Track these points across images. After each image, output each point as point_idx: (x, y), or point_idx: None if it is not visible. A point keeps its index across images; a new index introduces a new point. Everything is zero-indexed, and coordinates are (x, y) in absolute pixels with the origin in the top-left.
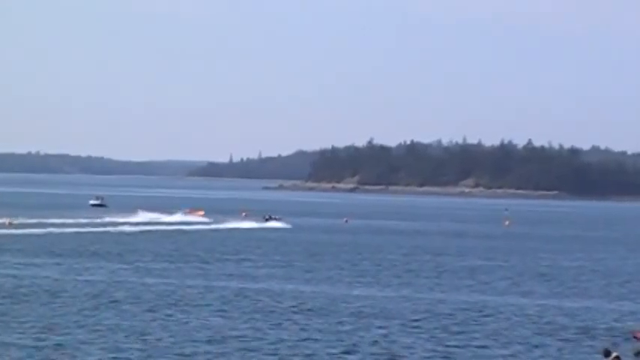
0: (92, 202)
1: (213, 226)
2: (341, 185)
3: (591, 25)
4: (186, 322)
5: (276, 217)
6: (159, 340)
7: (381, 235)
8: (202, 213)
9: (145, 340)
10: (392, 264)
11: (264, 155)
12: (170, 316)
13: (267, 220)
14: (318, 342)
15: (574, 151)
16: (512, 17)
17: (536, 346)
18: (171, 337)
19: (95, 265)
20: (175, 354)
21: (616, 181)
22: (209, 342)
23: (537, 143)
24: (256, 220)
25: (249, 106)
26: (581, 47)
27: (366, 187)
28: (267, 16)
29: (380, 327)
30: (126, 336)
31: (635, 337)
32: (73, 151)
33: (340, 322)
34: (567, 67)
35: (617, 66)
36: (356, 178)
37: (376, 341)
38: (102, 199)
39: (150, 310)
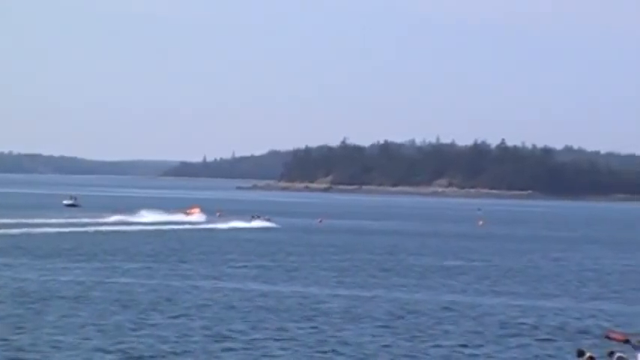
0: (66, 202)
1: (196, 226)
2: (314, 185)
3: (566, 25)
4: (161, 323)
5: (265, 217)
6: (132, 340)
7: (355, 235)
8: (198, 210)
9: (120, 340)
10: (366, 264)
11: (237, 155)
12: (146, 316)
13: (254, 219)
14: (291, 341)
15: (547, 151)
16: (482, 18)
17: (511, 346)
18: (146, 337)
19: (71, 266)
20: (150, 355)
21: (589, 180)
22: (184, 342)
23: (510, 143)
24: (243, 220)
25: (222, 106)
26: (555, 48)
27: (340, 186)
28: (239, 16)
29: (354, 327)
30: (99, 336)
31: (608, 338)
32: (46, 151)
33: (315, 322)
34: (541, 68)
35: (590, 66)
36: (329, 177)
37: (350, 341)
38: (75, 199)
39: (125, 310)
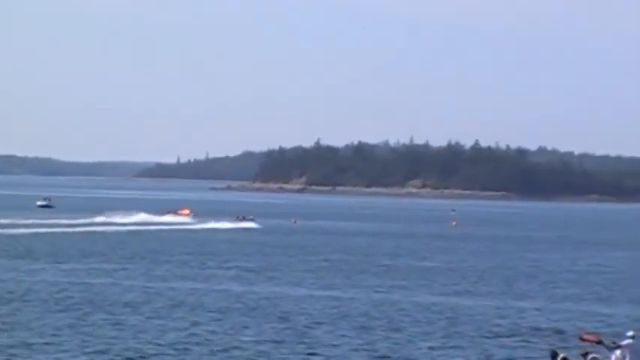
0: (39, 203)
1: (181, 227)
2: (288, 186)
3: (541, 25)
4: (134, 324)
5: (249, 217)
6: (106, 341)
7: (330, 236)
8: (187, 212)
9: (94, 341)
10: (341, 264)
11: (211, 156)
12: (121, 317)
13: (240, 220)
14: (262, 344)
15: (521, 152)
16: (456, 18)
17: (485, 347)
18: (115, 338)
19: (47, 267)
20: (120, 355)
21: (563, 181)
22: (156, 343)
23: (484, 144)
24: (229, 221)
25: (196, 107)
26: (528, 48)
27: (314, 187)
28: (209, 15)
29: (330, 327)
30: (72, 337)
31: (582, 339)
32: (20, 152)
33: (289, 323)
34: (515, 69)
35: (563, 67)
36: (303, 178)
37: (326, 342)
38: (49, 200)
39: (100, 311)
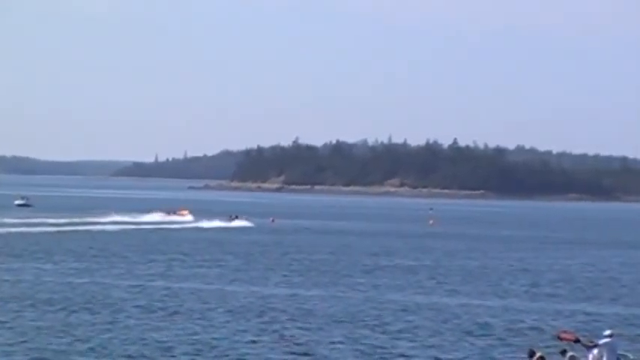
0: (17, 202)
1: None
2: (266, 185)
3: (516, 23)
4: (110, 323)
5: (243, 216)
6: (81, 341)
7: (308, 235)
8: (186, 212)
9: (68, 341)
10: (320, 263)
11: (189, 155)
12: (99, 316)
13: (232, 219)
14: (243, 343)
15: (499, 151)
16: (433, 18)
17: (463, 346)
18: (94, 337)
19: (21, 266)
20: (95, 356)
21: (541, 180)
22: (132, 343)
23: (463, 143)
24: (221, 220)
25: (174, 105)
26: (506, 48)
27: (292, 186)
28: (186, 15)
29: (308, 326)
30: (47, 337)
31: (559, 338)
32: None
33: (270, 323)
34: (492, 68)
35: (541, 67)
36: (281, 177)
37: (302, 341)
38: (27, 199)
39: (80, 310)
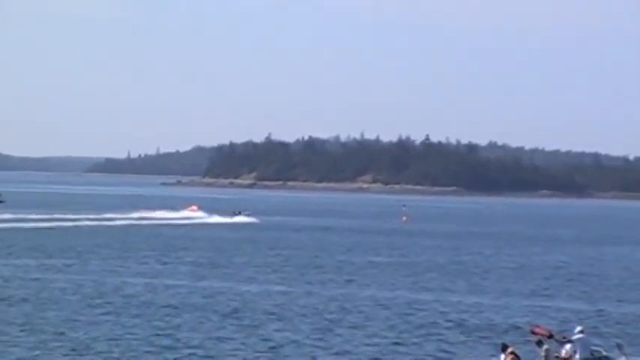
0: None
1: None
2: (239, 181)
3: (484, 20)
4: (88, 319)
5: (247, 212)
6: (55, 337)
7: (281, 232)
8: (195, 208)
9: (43, 336)
10: (292, 260)
11: (162, 151)
12: (71, 312)
13: (235, 215)
14: (213, 340)
15: (471, 147)
16: (403, 13)
17: (436, 341)
18: (64, 334)
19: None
20: (64, 354)
21: (513, 177)
22: (105, 340)
23: (435, 139)
24: (224, 216)
25: (147, 101)
26: (478, 45)
27: (265, 182)
28: (156, 13)
29: (283, 324)
30: (23, 332)
31: (533, 333)
32: None
33: (241, 319)
34: (464, 64)
35: (512, 63)
36: (254, 174)
37: (276, 338)
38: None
39: (52, 307)
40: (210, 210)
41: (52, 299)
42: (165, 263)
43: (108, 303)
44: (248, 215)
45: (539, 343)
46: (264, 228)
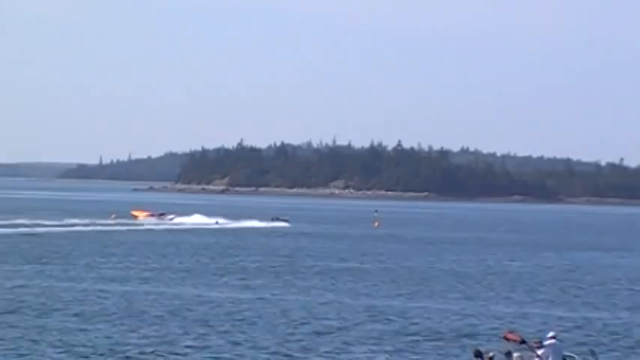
0: None
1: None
2: (211, 187)
3: (455, 24)
4: (58, 328)
5: (283, 217)
6: (27, 345)
7: (253, 238)
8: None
9: (13, 345)
10: (264, 266)
11: (133, 157)
12: (43, 320)
13: (273, 220)
14: (184, 348)
15: (443, 153)
16: (378, 20)
17: (410, 348)
18: (36, 342)
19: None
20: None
21: (484, 182)
22: (62, 347)
23: (407, 145)
24: (261, 220)
25: (118, 107)
26: (448, 50)
27: (237, 188)
28: (123, 14)
29: (253, 332)
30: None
31: (505, 338)
32: None
33: (212, 327)
34: (435, 69)
35: (484, 68)
36: (226, 179)
37: (249, 347)
38: None
39: (25, 314)
40: (238, 216)
41: (21, 306)
42: (127, 268)
43: (77, 310)
44: (286, 221)
45: (508, 355)
46: (235, 233)
